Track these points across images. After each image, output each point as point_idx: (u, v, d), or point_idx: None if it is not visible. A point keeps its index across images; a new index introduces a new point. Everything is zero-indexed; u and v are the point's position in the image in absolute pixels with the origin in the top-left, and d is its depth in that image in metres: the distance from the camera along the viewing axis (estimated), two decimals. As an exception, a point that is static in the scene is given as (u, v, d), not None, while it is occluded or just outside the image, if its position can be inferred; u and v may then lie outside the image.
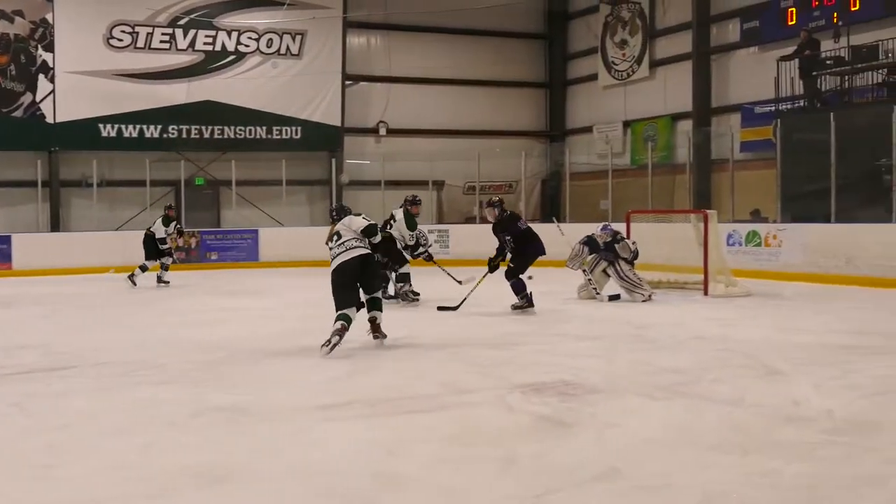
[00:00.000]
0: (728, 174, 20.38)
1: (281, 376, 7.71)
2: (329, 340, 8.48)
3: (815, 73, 18.59)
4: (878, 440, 5.42)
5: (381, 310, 9.40)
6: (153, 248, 17.46)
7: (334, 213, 9.91)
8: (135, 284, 16.95)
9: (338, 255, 9.19)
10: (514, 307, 12.12)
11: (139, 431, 5.82)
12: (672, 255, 14.65)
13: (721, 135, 21.90)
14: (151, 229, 17.52)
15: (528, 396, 6.68)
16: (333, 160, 24.94)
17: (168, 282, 17.30)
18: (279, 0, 23.83)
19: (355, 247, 9.18)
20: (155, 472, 4.95)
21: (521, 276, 12.14)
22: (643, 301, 13.15)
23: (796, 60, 18.89)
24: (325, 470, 4.96)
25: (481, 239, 20.81)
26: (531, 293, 12.10)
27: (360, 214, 9.60)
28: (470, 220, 25.12)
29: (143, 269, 17.43)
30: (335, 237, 9.37)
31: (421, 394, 6.84)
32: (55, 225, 23.02)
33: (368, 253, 9.24)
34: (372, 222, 9.41)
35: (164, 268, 17.51)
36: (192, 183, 24.31)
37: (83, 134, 22.99)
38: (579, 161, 25.66)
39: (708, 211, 14.86)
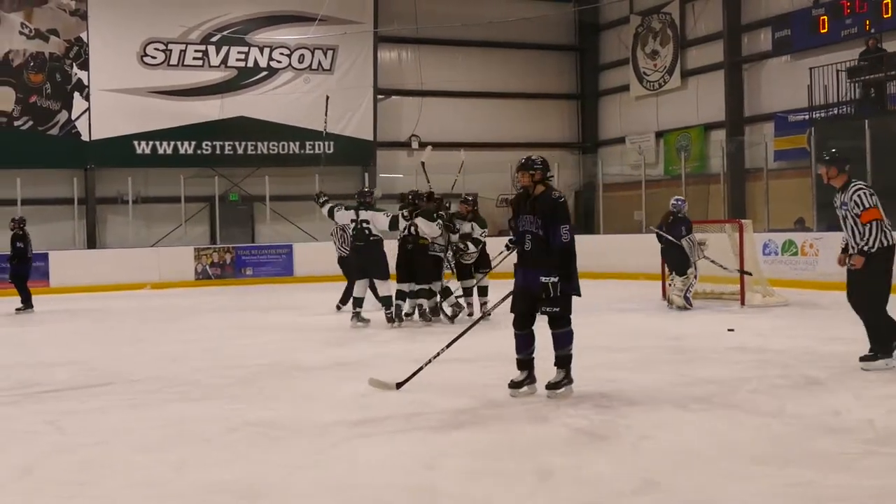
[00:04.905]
0: (762, 183, 20.21)
1: (315, 391, 7.69)
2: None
3: (853, 80, 18.42)
4: (921, 451, 5.31)
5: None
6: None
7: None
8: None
9: None
10: None
11: (173, 448, 5.82)
12: (708, 265, 14.52)
13: (755, 144, 21.76)
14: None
15: (564, 409, 6.63)
16: (366, 174, 24.98)
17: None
18: (311, 16, 23.96)
19: None
20: (189, 488, 4.94)
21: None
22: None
23: (837, 66, 18.77)
24: (360, 485, 4.93)
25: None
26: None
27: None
28: (504, 232, 25.03)
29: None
30: None
31: (455, 407, 6.78)
32: (91, 242, 23.22)
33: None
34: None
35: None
36: (226, 199, 24.46)
37: (118, 151, 23.17)
38: (612, 172, 25.57)
39: (743, 221, 14.73)
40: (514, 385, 7.19)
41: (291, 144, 24.75)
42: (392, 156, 26.51)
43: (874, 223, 7.77)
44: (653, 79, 25.97)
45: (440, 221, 12.20)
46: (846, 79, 18.78)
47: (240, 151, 24.41)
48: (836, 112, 19.04)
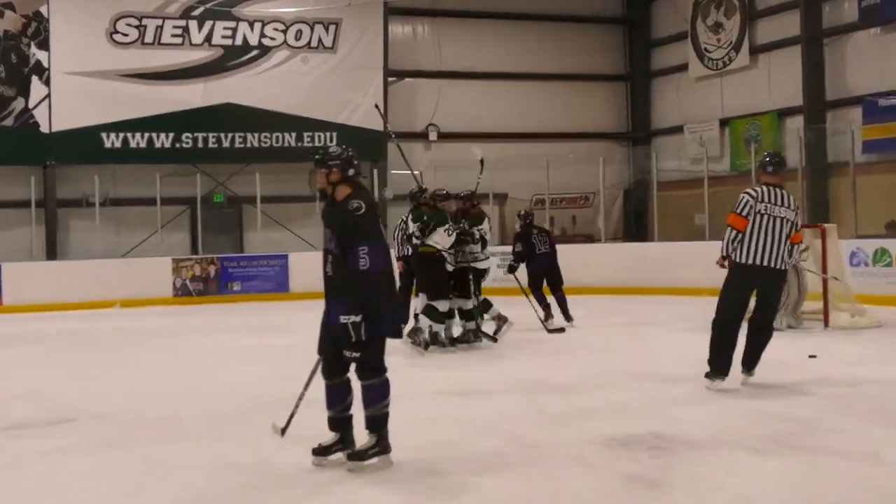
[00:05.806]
0: (849, 179, 20.10)
1: (314, 429, 7.65)
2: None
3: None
4: None
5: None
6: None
7: None
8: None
9: None
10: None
11: (148, 495, 5.83)
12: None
13: (839, 133, 21.66)
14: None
15: (613, 451, 6.60)
16: (375, 171, 24.94)
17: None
18: (309, -16, 24.06)
19: None
20: (167, 545, 4.94)
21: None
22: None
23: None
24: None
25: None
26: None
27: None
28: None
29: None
30: None
31: (484, 450, 6.76)
32: (52, 252, 23.30)
33: None
34: None
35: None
36: (209, 200, 24.50)
37: (83, 145, 23.26)
38: (668, 167, 25.50)
39: (826, 225, 14.64)
40: (320, 451, 6.41)
41: (287, 136, 24.78)
42: (406, 149, 26.40)
43: (729, 229, 8.98)
44: (716, 56, 25.89)
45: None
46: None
47: (226, 144, 24.45)
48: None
